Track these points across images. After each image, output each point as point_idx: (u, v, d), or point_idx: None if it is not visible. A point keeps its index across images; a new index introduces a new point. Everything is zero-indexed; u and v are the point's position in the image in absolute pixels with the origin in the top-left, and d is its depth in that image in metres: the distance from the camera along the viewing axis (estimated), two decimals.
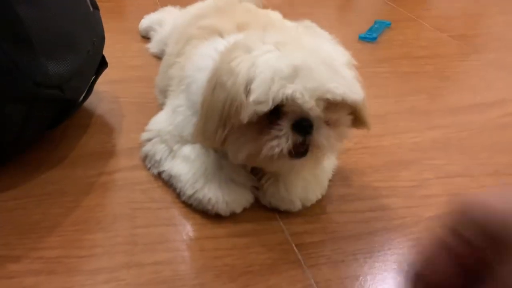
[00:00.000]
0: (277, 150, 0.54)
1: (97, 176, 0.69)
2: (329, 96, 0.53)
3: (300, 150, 0.56)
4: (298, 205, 0.63)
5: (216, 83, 0.57)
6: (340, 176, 0.71)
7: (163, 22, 1.10)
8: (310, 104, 0.52)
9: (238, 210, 0.62)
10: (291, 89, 0.51)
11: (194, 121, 0.66)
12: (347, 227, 0.63)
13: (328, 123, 0.57)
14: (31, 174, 0.68)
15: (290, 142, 0.54)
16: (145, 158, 0.71)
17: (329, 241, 0.60)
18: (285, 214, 0.63)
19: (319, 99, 0.53)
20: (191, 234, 0.60)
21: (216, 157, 0.65)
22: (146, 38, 1.15)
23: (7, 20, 0.57)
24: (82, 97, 0.76)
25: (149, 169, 0.70)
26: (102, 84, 0.88)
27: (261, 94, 0.52)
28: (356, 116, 0.61)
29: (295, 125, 0.54)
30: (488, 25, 1.47)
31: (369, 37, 1.24)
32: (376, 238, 0.61)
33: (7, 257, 0.54)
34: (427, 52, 1.20)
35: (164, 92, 0.81)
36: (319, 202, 0.66)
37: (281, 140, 0.54)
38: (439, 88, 1.03)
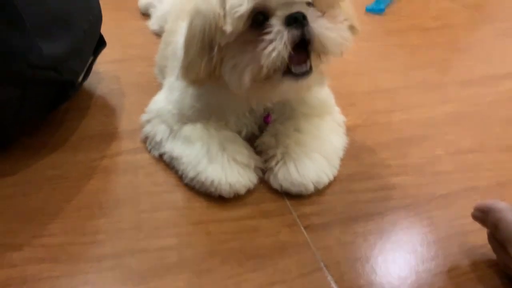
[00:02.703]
0: (274, 54, 0.50)
1: (99, 159, 0.67)
2: None
3: (302, 70, 0.53)
4: (310, 188, 0.61)
5: (192, 15, 0.55)
6: (348, 154, 0.69)
7: None
8: None
9: (242, 191, 0.60)
10: None
11: (191, 92, 0.64)
12: (357, 207, 0.61)
13: (324, 16, 0.53)
14: (31, 159, 0.66)
15: (285, 40, 0.50)
16: (145, 139, 0.70)
17: (339, 222, 0.58)
18: (292, 195, 0.61)
19: None
20: (196, 218, 0.58)
21: (218, 137, 0.63)
22: (146, 15, 1.12)
23: None
24: (80, 78, 0.74)
25: (150, 151, 0.68)
26: (102, 64, 0.86)
27: None
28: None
29: (287, 20, 0.51)
30: None
31: (376, 9, 1.20)
32: (386, 218, 0.59)
33: (9, 246, 0.53)
34: (438, 23, 1.15)
35: (163, 71, 0.79)
36: None
37: (276, 41, 0.50)
38: (450, 60, 0.99)
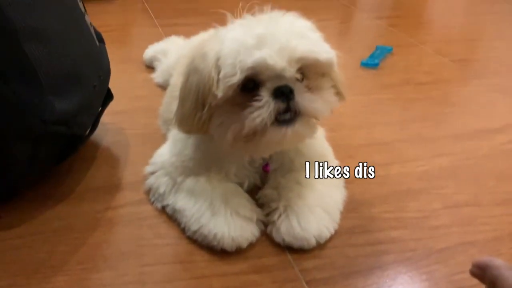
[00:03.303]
0: (258, 120, 0.53)
1: (103, 211, 0.69)
2: (299, 54, 0.54)
3: (286, 118, 0.55)
4: (313, 243, 0.62)
5: (190, 70, 0.59)
6: (348, 207, 0.70)
7: (168, 52, 1.11)
8: (282, 64, 0.53)
9: (244, 245, 0.61)
10: (259, 54, 0.52)
11: (191, 143, 0.67)
12: (357, 261, 0.62)
13: (310, 89, 0.57)
14: (37, 210, 0.67)
15: (271, 109, 0.54)
16: (148, 191, 0.71)
17: (340, 277, 0.59)
18: (294, 248, 0.62)
19: (290, 60, 0.53)
20: (199, 272, 0.59)
21: (221, 190, 0.65)
22: (150, 67, 1.16)
23: (14, 58, 0.58)
24: (88, 131, 0.76)
25: (153, 203, 0.70)
26: (107, 115, 0.88)
27: (229, 67, 0.53)
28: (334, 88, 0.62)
29: (275, 92, 0.54)
30: (487, 50, 1.48)
31: (371, 63, 1.25)
32: (386, 272, 0.60)
33: None
34: (430, 78, 1.20)
35: (167, 124, 0.82)
36: None
37: (262, 109, 0.54)
38: (443, 114, 1.03)
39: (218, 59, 0.55)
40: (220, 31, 0.59)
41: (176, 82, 0.82)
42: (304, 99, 0.55)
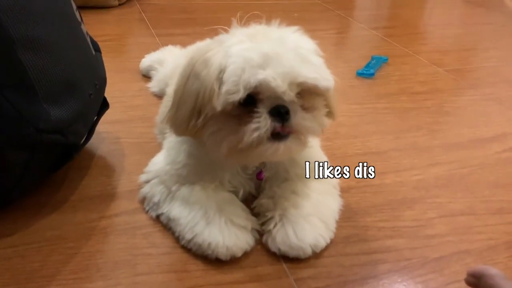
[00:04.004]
0: (255, 135, 0.55)
1: (97, 220, 0.68)
2: (300, 79, 0.55)
3: (280, 135, 0.57)
4: (308, 252, 0.62)
5: (190, 73, 0.58)
6: (343, 216, 0.70)
7: (164, 61, 1.11)
8: (283, 88, 0.54)
9: (239, 254, 0.61)
10: (263, 75, 0.53)
11: (184, 149, 0.68)
12: (353, 270, 0.62)
13: (304, 109, 0.58)
14: (30, 219, 0.67)
15: (268, 127, 0.55)
16: (143, 200, 0.71)
17: (335, 286, 0.59)
18: (289, 257, 0.62)
19: (291, 84, 0.55)
20: (193, 281, 0.58)
21: (216, 199, 0.65)
22: (146, 77, 1.17)
23: (10, 67, 0.58)
24: (83, 139, 0.76)
25: (147, 211, 0.69)
26: (103, 124, 0.88)
27: (233, 84, 0.54)
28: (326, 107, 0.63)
29: (272, 111, 0.56)
30: (482, 60, 1.50)
31: (366, 73, 1.26)
32: (382, 281, 0.60)
33: None
34: (426, 88, 1.21)
35: (163, 133, 0.82)
36: None
37: (260, 125, 0.55)
38: (438, 124, 1.04)
39: (221, 72, 0.55)
40: (226, 41, 0.59)
41: (171, 92, 0.83)
42: (298, 118, 0.57)
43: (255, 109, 0.56)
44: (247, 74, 0.53)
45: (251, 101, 0.56)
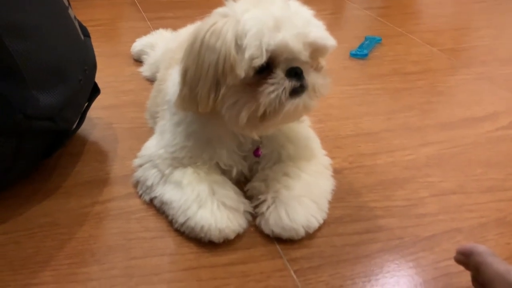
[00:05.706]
0: (273, 95, 0.56)
1: (91, 206, 0.68)
2: (311, 39, 0.57)
3: (297, 91, 0.58)
4: (301, 233, 0.62)
5: (200, 48, 0.58)
6: (336, 197, 0.71)
7: (155, 45, 1.10)
8: (299, 48, 0.56)
9: (232, 236, 0.62)
10: (281, 37, 0.54)
11: (180, 131, 0.67)
12: (345, 250, 0.62)
13: (314, 69, 0.61)
14: (23, 206, 0.67)
15: (286, 87, 0.57)
16: (136, 184, 0.71)
17: (327, 266, 0.60)
18: (283, 239, 0.63)
19: (305, 44, 0.56)
20: (187, 264, 0.59)
21: (208, 181, 0.65)
22: (138, 61, 1.16)
23: None
24: (74, 125, 0.75)
25: (140, 195, 0.70)
26: (95, 110, 0.88)
27: (255, 48, 0.54)
28: None
29: (288, 72, 0.57)
30: (475, 39, 1.49)
31: (360, 54, 1.25)
32: (374, 260, 0.61)
33: None
34: (418, 68, 1.21)
35: (154, 117, 0.82)
36: None
37: (278, 85, 0.57)
38: (430, 104, 1.04)
39: (239, 39, 0.55)
40: (233, 9, 0.58)
41: (163, 76, 0.82)
42: (312, 77, 0.59)
43: (272, 73, 0.57)
44: (267, 37, 0.54)
45: (266, 68, 0.57)
